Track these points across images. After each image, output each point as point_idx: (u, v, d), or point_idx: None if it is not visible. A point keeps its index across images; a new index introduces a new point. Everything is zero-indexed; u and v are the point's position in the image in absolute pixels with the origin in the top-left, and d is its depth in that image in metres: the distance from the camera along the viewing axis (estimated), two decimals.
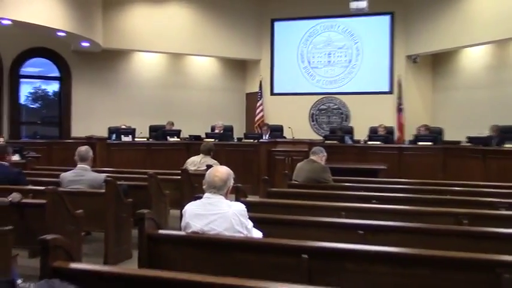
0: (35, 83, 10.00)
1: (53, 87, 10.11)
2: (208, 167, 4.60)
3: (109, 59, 9.95)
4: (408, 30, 9.79)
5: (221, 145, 7.90)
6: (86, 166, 4.27)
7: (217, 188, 2.52)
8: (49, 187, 3.57)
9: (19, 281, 1.50)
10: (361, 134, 8.76)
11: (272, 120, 10.07)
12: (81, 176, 4.21)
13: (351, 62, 10.20)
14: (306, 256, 2.14)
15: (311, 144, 6.97)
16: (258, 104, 10.51)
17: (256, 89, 10.68)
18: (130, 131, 8.24)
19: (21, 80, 9.48)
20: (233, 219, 2.46)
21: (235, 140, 8.72)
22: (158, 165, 7.41)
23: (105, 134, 8.24)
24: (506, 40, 8.05)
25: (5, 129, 9.00)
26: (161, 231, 2.51)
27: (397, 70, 9.82)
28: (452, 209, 3.40)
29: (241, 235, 2.47)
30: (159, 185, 4.84)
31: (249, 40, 10.60)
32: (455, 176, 6.38)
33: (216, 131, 8.95)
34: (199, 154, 5.76)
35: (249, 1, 10.55)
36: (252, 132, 10.03)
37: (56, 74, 9.83)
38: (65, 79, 9.79)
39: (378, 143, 7.89)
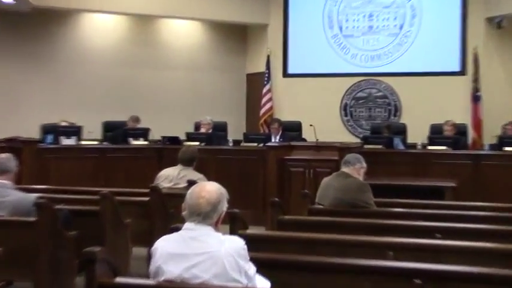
0: None
1: None
2: (190, 183, 4.57)
3: (43, 24, 9.98)
4: None
5: (209, 151, 7.89)
6: (7, 182, 4.26)
7: (203, 216, 2.52)
8: None
9: None
10: (417, 134, 8.74)
11: (285, 115, 10.08)
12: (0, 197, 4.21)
13: (403, 28, 10.20)
14: None
15: (343, 149, 6.94)
16: (265, 91, 10.52)
17: (262, 69, 10.70)
18: (75, 131, 8.24)
19: None
20: (227, 261, 2.45)
21: (231, 144, 8.70)
22: (116, 181, 7.39)
23: (36, 135, 8.25)
24: None
25: None
26: (119, 280, 2.50)
27: (472, 40, 9.80)
28: None
29: (239, 285, 2.46)
30: (117, 210, 4.84)
31: None
32: None
33: (202, 130, 8.95)
34: (176, 165, 5.75)
35: None
36: (255, 132, 10.01)
37: None
38: None
39: (444, 148, 7.86)
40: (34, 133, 8.32)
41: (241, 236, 2.77)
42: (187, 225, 2.54)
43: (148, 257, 2.68)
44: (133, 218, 5.00)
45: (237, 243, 2.53)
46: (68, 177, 7.42)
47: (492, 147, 8.04)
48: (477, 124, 9.45)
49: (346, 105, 10.47)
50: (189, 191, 2.59)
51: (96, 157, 8.01)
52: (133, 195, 5.50)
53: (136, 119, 9.05)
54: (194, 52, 11.00)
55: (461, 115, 9.31)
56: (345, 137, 9.88)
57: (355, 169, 4.83)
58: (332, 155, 7.02)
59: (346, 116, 10.48)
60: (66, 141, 8.03)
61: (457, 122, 8.68)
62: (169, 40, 10.90)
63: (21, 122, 9.22)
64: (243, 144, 8.53)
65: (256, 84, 10.86)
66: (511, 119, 8.59)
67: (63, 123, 8.60)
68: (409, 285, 2.69)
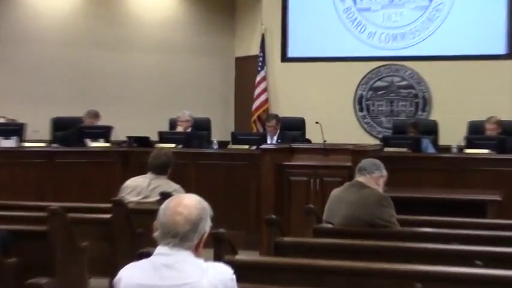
0: None
1: None
2: (164, 196, 4.56)
3: None
4: None
5: (188, 155, 7.90)
6: None
7: (180, 237, 2.51)
8: None
9: None
10: (452, 134, 8.75)
11: (285, 109, 10.09)
12: None
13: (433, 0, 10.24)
14: None
15: (358, 153, 6.94)
16: (259, 79, 10.52)
17: (255, 51, 10.71)
18: (16, 129, 8.22)
19: None
20: None
21: (215, 146, 8.69)
22: (69, 194, 7.38)
23: None
24: None
25: None
26: None
27: None
28: None
29: None
30: (71, 230, 4.82)
31: None
32: None
33: (179, 128, 8.93)
34: (146, 173, 5.76)
35: None
36: (246, 131, 10.00)
37: None
38: None
39: (485, 151, 7.85)
40: None
41: (228, 263, 2.77)
42: (160, 249, 2.53)
43: None
44: (92, 241, 4.98)
45: (223, 272, 2.53)
46: (6, 188, 7.37)
47: None
48: None
49: (361, 97, 10.48)
50: (163, 206, 2.58)
51: (44, 163, 7.96)
52: (91, 212, 5.50)
53: (95, 115, 9.02)
54: (168, 30, 10.97)
55: (508, 110, 9.32)
56: (360, 137, 9.92)
57: (373, 178, 4.83)
58: (344, 161, 7.02)
59: (361, 111, 10.49)
60: (5, 143, 7.97)
61: (503, 119, 8.70)
62: (137, 14, 10.87)
63: None
64: (231, 146, 8.53)
65: (247, 70, 10.86)
66: None
67: (1, 120, 8.57)
68: None
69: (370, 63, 10.42)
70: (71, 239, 4.82)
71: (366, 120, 10.47)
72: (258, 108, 10.43)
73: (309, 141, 8.75)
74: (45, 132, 8.99)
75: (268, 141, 8.56)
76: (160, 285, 2.46)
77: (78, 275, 4.87)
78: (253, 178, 7.70)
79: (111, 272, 3.06)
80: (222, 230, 3.45)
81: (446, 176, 7.62)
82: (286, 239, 4.41)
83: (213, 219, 2.64)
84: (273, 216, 4.62)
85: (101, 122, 8.93)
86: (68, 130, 8.76)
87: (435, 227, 4.91)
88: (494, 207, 6.45)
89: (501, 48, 9.91)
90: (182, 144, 8.26)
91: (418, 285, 3.35)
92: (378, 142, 9.00)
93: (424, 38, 10.23)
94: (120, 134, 8.72)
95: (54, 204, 4.89)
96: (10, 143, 8.01)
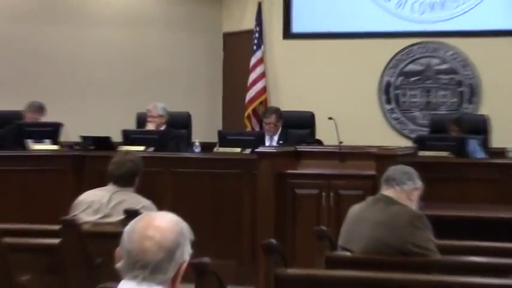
0: None
1: None
2: (130, 215, 4.56)
3: None
4: None
5: (162, 161, 7.95)
6: None
7: (151, 268, 2.50)
8: None
9: None
10: (507, 134, 8.81)
11: (287, 101, 10.15)
12: None
13: None
14: None
15: (384, 159, 6.96)
16: (255, 61, 10.58)
17: (250, 25, 10.77)
18: None
19: None
20: None
21: (197, 150, 8.71)
22: (5, 211, 7.38)
23: None
24: None
25: None
26: None
27: None
28: None
29: None
30: (7, 260, 4.82)
31: None
32: None
33: (150, 126, 8.96)
34: (106, 184, 5.77)
35: None
36: (238, 129, 10.02)
37: None
38: None
39: None
40: None
41: None
42: (124, 284, 2.53)
43: None
44: (35, 273, 4.99)
45: None
46: None
47: None
48: None
49: (388, 84, 10.53)
50: (128, 228, 2.58)
51: None
52: (34, 235, 5.50)
53: (40, 109, 9.04)
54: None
55: None
56: (386, 137, 9.98)
57: (405, 191, 4.84)
58: (365, 168, 7.06)
59: (388, 102, 10.54)
60: None
61: None
62: None
63: None
64: (218, 149, 8.54)
65: (239, 50, 10.94)
66: None
67: None
68: None
69: (399, 41, 10.47)
70: (7, 271, 4.82)
71: (394, 116, 10.51)
72: (253, 100, 10.48)
73: (319, 142, 8.77)
74: None
75: (267, 143, 8.62)
76: None
77: None
78: (247, 191, 7.73)
79: None
80: (206, 259, 3.46)
81: (499, 188, 7.63)
82: (290, 270, 4.42)
83: (194, 245, 2.63)
84: (273, 240, 4.64)
85: (47, 118, 8.96)
86: (3, 128, 8.79)
87: (486, 256, 4.92)
88: None
89: None
90: (154, 146, 8.27)
91: None
92: (410, 144, 9.03)
93: (470, 7, 10.26)
94: (71, 133, 8.73)
95: None
96: None
